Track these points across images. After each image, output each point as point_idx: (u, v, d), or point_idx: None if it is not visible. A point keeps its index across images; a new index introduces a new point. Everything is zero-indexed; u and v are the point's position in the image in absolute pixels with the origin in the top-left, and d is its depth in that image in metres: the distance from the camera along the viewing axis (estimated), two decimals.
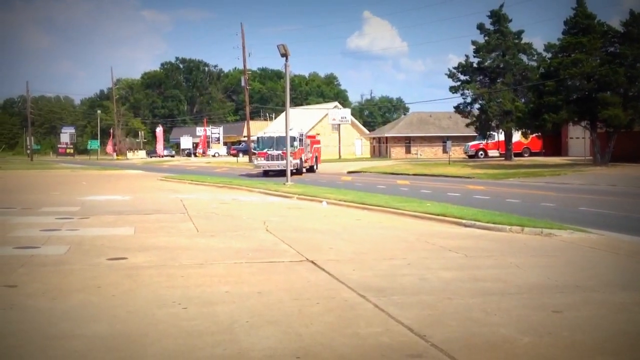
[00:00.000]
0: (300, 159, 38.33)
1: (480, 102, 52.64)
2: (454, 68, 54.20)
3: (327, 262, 9.38)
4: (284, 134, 32.77)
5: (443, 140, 61.80)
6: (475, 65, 53.46)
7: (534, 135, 51.28)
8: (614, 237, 12.45)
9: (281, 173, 33.51)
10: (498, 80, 52.33)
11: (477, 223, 13.75)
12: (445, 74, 54.26)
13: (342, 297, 7.34)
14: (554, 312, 6.70)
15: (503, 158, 54.03)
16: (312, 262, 9.45)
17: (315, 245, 11.08)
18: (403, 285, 7.98)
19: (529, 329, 6.08)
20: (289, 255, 10.12)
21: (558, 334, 5.95)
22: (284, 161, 31.22)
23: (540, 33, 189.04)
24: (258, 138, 38.68)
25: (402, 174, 38.34)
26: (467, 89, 53.25)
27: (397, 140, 69.69)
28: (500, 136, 55.79)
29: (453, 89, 53.82)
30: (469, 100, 53.90)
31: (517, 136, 54.34)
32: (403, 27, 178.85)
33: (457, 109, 54.98)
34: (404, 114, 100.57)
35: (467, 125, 55.00)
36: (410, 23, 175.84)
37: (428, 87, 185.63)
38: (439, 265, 9.35)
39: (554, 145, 57.11)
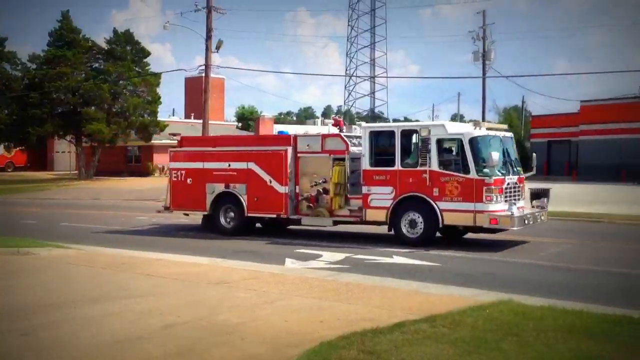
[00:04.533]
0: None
1: None
2: None
3: None
4: (503, 132, 14.50)
5: None
6: None
7: (18, 148, 49.81)
8: (92, 250, 12.86)
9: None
10: None
11: None
12: None
13: None
14: (22, 335, 6.42)
15: None
16: None
17: None
18: None
19: None
20: None
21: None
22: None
23: (30, 42, 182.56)
24: (472, 140, 12.68)
25: None
26: None
27: None
28: None
29: None
30: None
31: (0, 149, 51.56)
32: None
33: None
34: None
35: None
36: None
37: None
38: None
39: (40, 159, 56.27)
